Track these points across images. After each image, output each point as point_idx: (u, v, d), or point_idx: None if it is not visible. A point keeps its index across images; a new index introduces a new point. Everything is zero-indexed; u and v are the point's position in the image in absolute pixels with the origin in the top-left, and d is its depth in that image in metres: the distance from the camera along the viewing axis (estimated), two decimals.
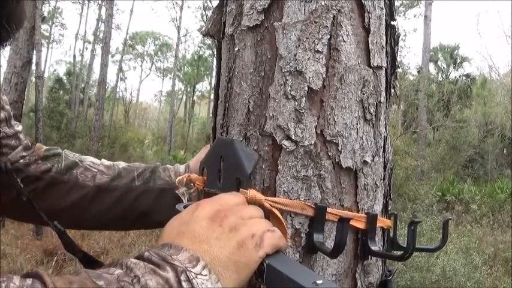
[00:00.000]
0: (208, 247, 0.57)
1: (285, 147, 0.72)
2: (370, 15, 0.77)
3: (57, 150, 0.99)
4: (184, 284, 0.52)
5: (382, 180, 0.81)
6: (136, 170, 0.98)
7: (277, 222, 0.69)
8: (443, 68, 25.85)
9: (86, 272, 0.50)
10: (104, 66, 17.69)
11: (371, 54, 0.77)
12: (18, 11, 0.62)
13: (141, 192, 0.95)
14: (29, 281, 0.46)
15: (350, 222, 0.69)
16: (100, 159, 1.02)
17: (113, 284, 0.49)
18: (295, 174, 0.72)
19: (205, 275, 0.54)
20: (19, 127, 0.95)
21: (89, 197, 0.93)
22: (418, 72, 20.86)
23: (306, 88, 0.73)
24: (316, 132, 0.73)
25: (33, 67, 9.76)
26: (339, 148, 0.74)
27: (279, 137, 0.73)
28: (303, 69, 0.73)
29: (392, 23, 0.84)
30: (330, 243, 0.72)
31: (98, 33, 26.52)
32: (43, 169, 0.93)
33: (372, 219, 0.76)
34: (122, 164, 1.00)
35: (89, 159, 1.00)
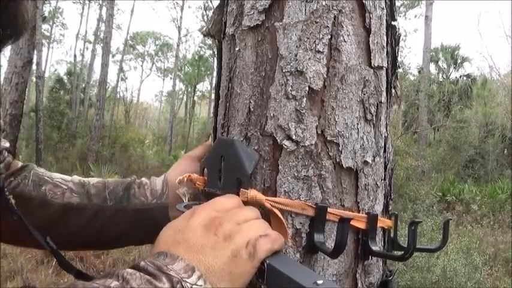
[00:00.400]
0: (203, 257, 0.57)
1: (285, 147, 0.72)
2: (371, 16, 0.77)
3: (28, 165, 0.92)
4: None
5: (382, 181, 0.81)
6: (108, 187, 0.90)
7: (278, 223, 0.69)
8: (444, 68, 25.85)
9: (82, 284, 0.50)
10: (104, 66, 17.69)
11: (372, 54, 0.77)
12: (17, 13, 0.59)
13: (113, 213, 0.87)
14: None
15: (351, 223, 0.69)
16: (71, 175, 0.94)
17: None
18: (295, 174, 0.72)
19: (200, 285, 0.54)
20: (6, 144, 0.88)
21: (57, 216, 0.86)
22: (419, 72, 20.86)
23: (307, 88, 0.73)
24: (317, 132, 0.73)
25: (34, 67, 9.77)
26: (340, 148, 0.74)
27: (279, 137, 0.73)
28: (304, 69, 0.73)
29: (393, 23, 0.84)
30: (330, 244, 0.72)
31: (98, 33, 26.54)
32: (12, 185, 0.86)
33: (372, 219, 0.76)
34: (93, 181, 0.92)
35: (59, 176, 0.92)
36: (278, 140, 0.73)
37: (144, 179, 0.92)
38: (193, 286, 0.53)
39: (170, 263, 0.55)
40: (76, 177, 0.92)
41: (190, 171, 0.84)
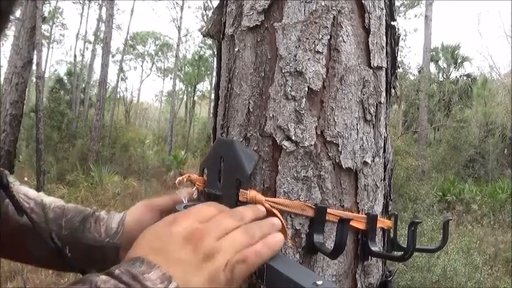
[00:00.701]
0: (181, 272, 0.55)
1: (285, 147, 0.72)
2: (370, 16, 0.77)
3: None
4: None
5: (382, 181, 0.81)
6: (66, 215, 0.86)
7: None
8: (444, 68, 25.84)
9: None
10: (104, 66, 17.69)
11: (371, 54, 0.77)
12: None
13: (66, 243, 0.83)
14: None
15: (350, 223, 0.69)
16: (39, 191, 0.91)
17: None
18: (295, 175, 0.72)
19: None
20: None
21: (15, 234, 0.82)
22: (419, 72, 20.86)
23: (306, 89, 0.73)
24: (317, 132, 0.73)
25: (34, 67, 9.77)
26: (339, 149, 0.73)
27: (279, 138, 0.73)
28: (303, 70, 0.73)
29: (392, 23, 0.84)
30: (330, 244, 0.72)
31: (98, 33, 26.54)
32: None
33: (372, 219, 0.76)
34: (53, 204, 0.88)
35: (24, 191, 0.87)
36: (277, 141, 0.73)
37: (102, 213, 0.89)
38: None
39: (146, 271, 0.53)
40: (40, 196, 0.88)
41: (144, 220, 0.82)
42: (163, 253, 0.57)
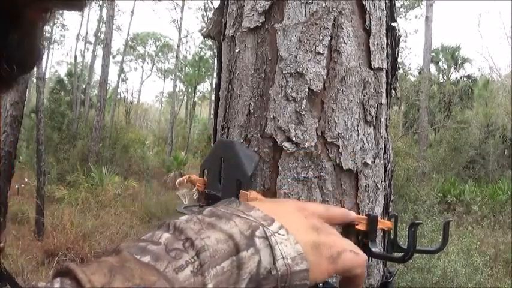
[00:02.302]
0: (285, 222, 0.49)
1: (285, 148, 0.72)
2: (371, 17, 0.77)
3: None
4: (258, 240, 0.45)
5: (382, 182, 0.81)
6: None
7: None
8: (445, 69, 25.84)
9: (126, 248, 0.42)
10: (105, 67, 17.72)
11: (372, 55, 0.77)
12: (32, 50, 0.49)
13: None
14: (56, 284, 0.37)
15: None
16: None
17: (162, 257, 0.41)
18: (295, 176, 0.72)
19: (283, 235, 0.47)
20: None
21: None
22: (419, 73, 20.87)
23: (307, 90, 0.73)
24: (317, 133, 0.73)
25: (34, 68, 9.74)
26: (340, 150, 0.73)
27: (279, 139, 0.73)
28: (304, 71, 0.73)
29: (393, 24, 0.84)
30: None
31: (99, 34, 26.55)
32: None
33: (372, 221, 0.75)
34: None
35: None
36: (278, 142, 0.73)
37: None
38: (276, 234, 0.46)
39: (246, 210, 0.48)
40: None
41: None
42: (266, 204, 0.52)
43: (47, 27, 0.50)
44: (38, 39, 0.49)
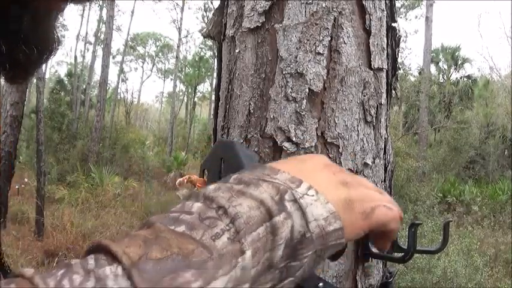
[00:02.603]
0: (314, 182, 0.47)
1: (285, 149, 0.72)
2: (371, 17, 0.77)
3: None
4: (288, 204, 0.43)
5: (382, 182, 0.81)
6: None
7: None
8: (445, 69, 25.84)
9: (158, 220, 0.41)
10: (105, 67, 17.72)
11: (372, 56, 0.77)
12: (37, 34, 0.47)
13: None
14: (91, 261, 0.36)
15: None
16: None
17: (196, 226, 0.40)
18: None
19: (313, 196, 0.45)
20: None
21: None
22: (420, 73, 20.86)
23: (307, 90, 0.73)
24: (317, 134, 0.73)
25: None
26: (340, 150, 0.73)
27: (279, 139, 0.73)
28: (304, 71, 0.73)
29: (393, 24, 0.84)
30: None
31: (99, 34, 26.57)
32: None
33: None
34: None
35: None
36: (278, 142, 0.73)
37: None
38: (305, 196, 0.45)
39: (272, 173, 0.46)
40: None
41: None
42: (291, 164, 0.51)
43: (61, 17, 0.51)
44: (52, 26, 0.48)
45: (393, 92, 0.86)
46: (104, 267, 0.35)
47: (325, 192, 0.46)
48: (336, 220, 0.45)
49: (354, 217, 0.48)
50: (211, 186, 0.45)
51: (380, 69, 0.79)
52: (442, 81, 25.17)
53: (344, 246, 0.53)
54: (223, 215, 0.41)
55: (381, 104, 0.79)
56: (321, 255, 0.45)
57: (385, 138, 0.82)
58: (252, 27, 0.77)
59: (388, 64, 0.82)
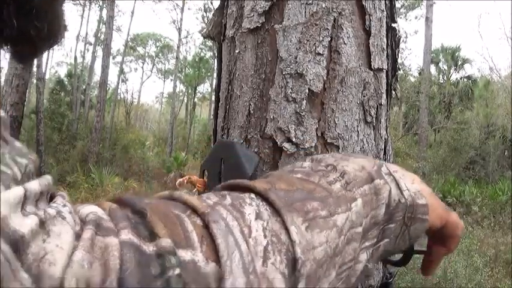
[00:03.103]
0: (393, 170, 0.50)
1: (285, 149, 0.72)
2: (371, 18, 0.77)
3: None
4: (384, 174, 0.47)
5: None
6: None
7: None
8: (445, 69, 25.83)
9: (273, 173, 0.45)
10: (105, 67, 17.71)
11: (372, 56, 0.77)
12: (58, 15, 0.49)
13: None
14: (228, 196, 0.38)
15: None
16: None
17: (312, 174, 0.44)
18: None
19: (401, 175, 0.49)
20: None
21: None
22: (419, 73, 20.86)
23: (307, 90, 0.73)
24: (317, 134, 0.73)
25: (35, 69, 9.77)
26: (340, 150, 0.73)
27: (279, 140, 0.73)
28: (304, 72, 0.73)
29: (393, 25, 0.84)
30: None
31: (99, 34, 26.55)
32: None
33: None
34: None
35: None
36: (278, 143, 0.73)
37: None
38: (394, 173, 0.48)
39: (355, 156, 0.50)
40: None
41: None
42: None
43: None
44: (62, 9, 0.50)
45: (393, 92, 0.86)
46: (240, 194, 0.38)
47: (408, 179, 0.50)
48: (422, 197, 0.49)
49: (437, 204, 0.51)
50: (316, 156, 0.49)
51: (380, 70, 0.79)
52: (442, 81, 25.18)
53: (411, 251, 0.57)
54: (332, 170, 0.45)
55: (380, 104, 0.79)
56: (407, 226, 0.48)
57: (385, 139, 0.82)
58: (251, 27, 0.77)
59: (388, 64, 0.83)
